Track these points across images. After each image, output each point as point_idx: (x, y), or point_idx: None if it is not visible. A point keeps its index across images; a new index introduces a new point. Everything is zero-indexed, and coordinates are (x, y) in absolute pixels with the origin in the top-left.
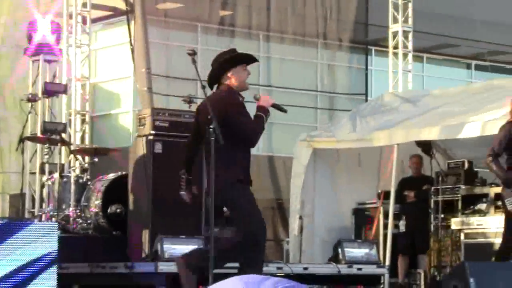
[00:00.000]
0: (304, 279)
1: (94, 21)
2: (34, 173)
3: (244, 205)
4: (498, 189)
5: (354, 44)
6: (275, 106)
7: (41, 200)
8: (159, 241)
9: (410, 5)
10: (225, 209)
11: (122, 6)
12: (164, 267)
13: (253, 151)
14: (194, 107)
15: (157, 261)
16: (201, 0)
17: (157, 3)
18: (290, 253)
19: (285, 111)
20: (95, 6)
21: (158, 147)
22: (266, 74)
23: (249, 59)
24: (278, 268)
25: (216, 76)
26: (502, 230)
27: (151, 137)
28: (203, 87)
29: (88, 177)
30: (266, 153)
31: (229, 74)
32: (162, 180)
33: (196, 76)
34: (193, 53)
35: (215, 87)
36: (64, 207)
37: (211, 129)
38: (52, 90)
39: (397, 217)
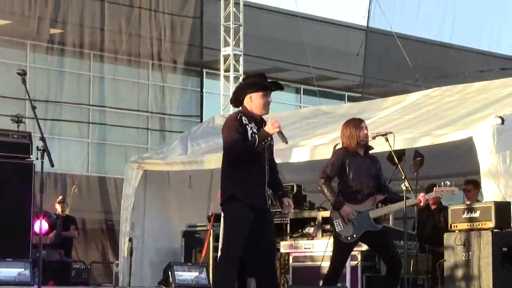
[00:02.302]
0: None
1: None
2: None
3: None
4: (326, 213)
5: (188, 66)
6: (279, 134)
7: None
8: None
9: (241, 29)
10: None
11: None
12: None
13: (84, 171)
14: (22, 127)
15: None
16: (29, 18)
17: None
18: (120, 276)
19: (285, 142)
20: None
21: None
22: (99, 94)
23: (276, 87)
24: None
25: (237, 97)
26: (329, 253)
27: None
28: (33, 107)
29: None
30: (97, 174)
31: (248, 97)
32: None
33: (25, 96)
34: (23, 73)
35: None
36: None
37: (39, 151)
38: None
39: None
